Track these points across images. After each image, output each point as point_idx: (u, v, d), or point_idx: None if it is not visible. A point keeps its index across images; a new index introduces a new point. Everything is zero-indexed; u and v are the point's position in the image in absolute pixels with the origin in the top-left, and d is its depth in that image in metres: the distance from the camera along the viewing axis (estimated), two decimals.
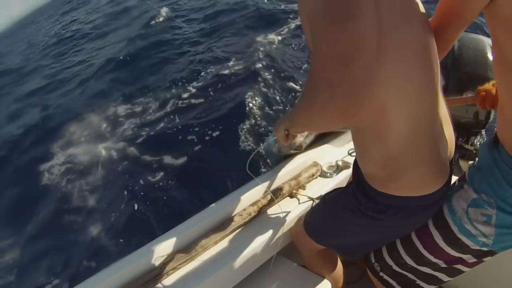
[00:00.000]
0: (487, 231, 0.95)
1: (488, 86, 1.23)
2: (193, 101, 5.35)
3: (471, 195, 0.97)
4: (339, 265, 1.48)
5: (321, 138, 1.73)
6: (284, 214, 1.44)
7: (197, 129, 4.66)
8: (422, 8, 0.94)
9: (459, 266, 1.08)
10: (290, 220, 1.42)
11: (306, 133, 1.32)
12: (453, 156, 1.12)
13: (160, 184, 4.03)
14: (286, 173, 1.55)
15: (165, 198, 3.82)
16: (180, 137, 4.64)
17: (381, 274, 1.20)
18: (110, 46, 9.31)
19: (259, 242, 1.34)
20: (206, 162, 4.13)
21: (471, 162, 1.13)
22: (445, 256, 1.06)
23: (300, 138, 1.32)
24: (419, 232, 1.09)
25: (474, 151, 1.93)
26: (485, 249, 0.99)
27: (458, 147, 1.99)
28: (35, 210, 4.38)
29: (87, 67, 8.60)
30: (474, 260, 1.04)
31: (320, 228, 1.30)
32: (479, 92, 1.24)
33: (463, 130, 1.97)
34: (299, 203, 1.49)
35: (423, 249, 1.08)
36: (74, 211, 4.16)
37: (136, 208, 3.80)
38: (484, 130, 1.98)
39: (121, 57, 7.76)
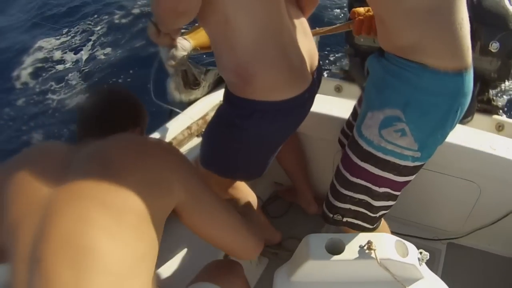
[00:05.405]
0: (409, 143, 0.95)
1: (362, 10, 1.22)
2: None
3: (377, 117, 0.96)
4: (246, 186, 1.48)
5: None
6: (194, 153, 1.45)
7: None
8: None
9: (389, 190, 1.07)
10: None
11: (188, 46, 1.31)
12: (317, 67, 1.20)
13: None
14: (193, 113, 1.62)
15: None
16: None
17: (345, 219, 1.17)
18: None
19: None
20: None
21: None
22: (389, 183, 1.05)
23: (182, 52, 1.29)
24: (352, 170, 1.07)
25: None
26: (416, 163, 1.00)
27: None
28: None
29: None
30: (406, 178, 1.04)
31: (211, 156, 1.29)
32: (355, 16, 1.23)
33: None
34: None
35: (366, 182, 1.06)
36: None
37: None
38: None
39: None
